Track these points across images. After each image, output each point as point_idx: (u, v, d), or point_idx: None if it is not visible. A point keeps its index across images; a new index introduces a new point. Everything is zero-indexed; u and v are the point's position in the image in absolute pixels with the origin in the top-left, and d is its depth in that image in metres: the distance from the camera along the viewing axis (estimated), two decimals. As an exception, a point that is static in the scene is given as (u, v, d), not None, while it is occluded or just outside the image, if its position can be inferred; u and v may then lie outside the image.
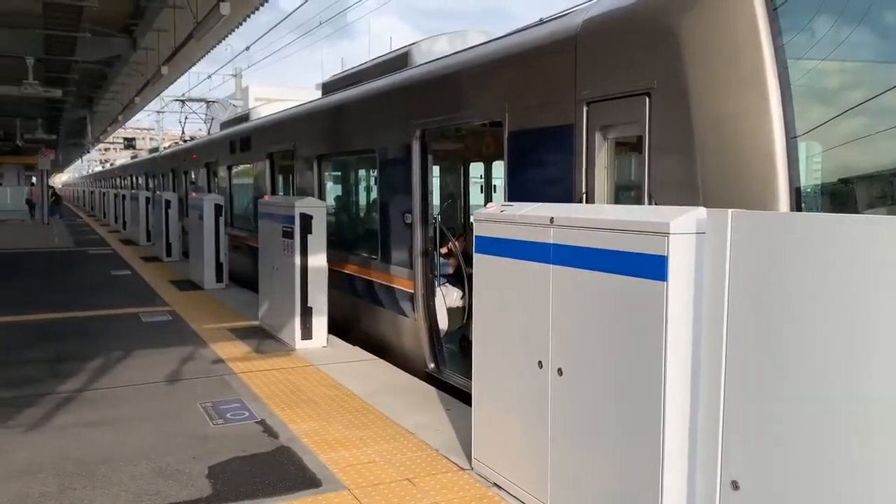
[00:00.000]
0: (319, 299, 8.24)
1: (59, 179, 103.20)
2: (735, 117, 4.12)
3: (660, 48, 4.44)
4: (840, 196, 4.31)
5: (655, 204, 4.43)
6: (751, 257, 2.85)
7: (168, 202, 17.67)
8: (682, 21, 4.35)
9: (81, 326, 9.56)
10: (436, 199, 7.99)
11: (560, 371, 3.86)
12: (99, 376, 7.09)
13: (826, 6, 4.31)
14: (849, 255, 2.49)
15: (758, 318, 2.82)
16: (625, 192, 5.04)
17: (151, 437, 5.40)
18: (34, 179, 41.56)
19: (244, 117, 16.02)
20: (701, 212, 3.17)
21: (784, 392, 2.72)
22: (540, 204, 4.33)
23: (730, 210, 2.95)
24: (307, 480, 4.63)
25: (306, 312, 8.23)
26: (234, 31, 17.87)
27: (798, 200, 3.98)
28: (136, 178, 33.01)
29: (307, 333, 8.26)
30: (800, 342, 2.66)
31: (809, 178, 4.25)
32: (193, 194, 16.55)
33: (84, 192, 61.98)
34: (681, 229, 3.16)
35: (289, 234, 8.35)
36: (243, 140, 14.15)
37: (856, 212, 4.24)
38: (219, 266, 13.01)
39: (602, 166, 4.95)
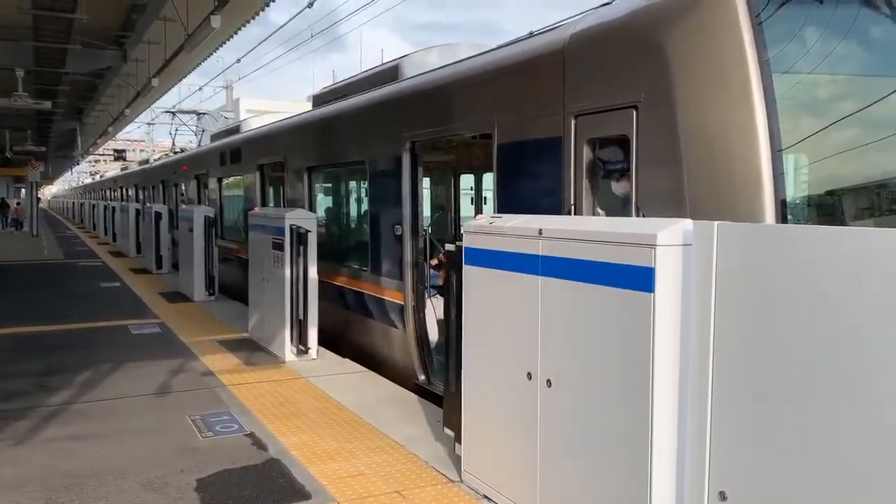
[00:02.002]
0: (310, 311, 8.23)
1: (48, 191, 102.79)
2: (721, 130, 4.16)
3: (647, 62, 4.48)
4: (826, 208, 4.36)
5: (643, 216, 4.46)
6: (737, 268, 2.87)
7: (158, 214, 17.63)
8: (668, 35, 4.40)
9: (70, 338, 9.51)
10: (426, 211, 8.02)
11: (549, 382, 3.87)
12: (87, 389, 7.05)
13: (811, 20, 4.36)
14: (834, 266, 2.51)
15: (744, 328, 2.84)
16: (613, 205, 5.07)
17: (140, 449, 5.38)
18: (22, 192, 41.30)
19: (235, 129, 16.03)
20: (687, 224, 3.19)
21: (771, 402, 2.74)
22: (528, 216, 4.35)
23: (716, 222, 2.98)
24: (296, 493, 4.62)
25: (296, 325, 8.22)
26: (224, 43, 17.90)
27: (784, 212, 4.02)
28: (126, 190, 32.92)
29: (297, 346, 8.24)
30: (786, 353, 2.68)
31: (795, 190, 4.30)
32: (184, 206, 16.52)
33: (74, 203, 61.78)
34: (668, 241, 3.19)
35: (279, 247, 8.35)
36: (234, 152, 14.15)
37: (842, 223, 4.28)
38: (209, 278, 12.97)
39: (590, 178, 4.98)
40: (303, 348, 8.14)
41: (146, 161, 34.56)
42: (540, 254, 3.90)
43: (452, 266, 4.99)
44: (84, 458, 5.23)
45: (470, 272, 4.58)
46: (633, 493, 3.33)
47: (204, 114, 32.46)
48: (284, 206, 11.01)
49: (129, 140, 67.24)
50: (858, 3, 4.45)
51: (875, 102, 4.41)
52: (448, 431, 5.14)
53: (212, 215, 13.04)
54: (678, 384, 3.21)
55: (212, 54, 19.32)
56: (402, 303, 7.50)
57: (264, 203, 12.42)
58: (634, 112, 4.51)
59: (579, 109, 4.97)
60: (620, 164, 4.70)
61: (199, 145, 25.53)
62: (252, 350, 8.79)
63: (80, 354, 8.53)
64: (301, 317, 8.12)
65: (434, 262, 8.33)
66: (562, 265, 3.75)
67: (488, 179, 10.12)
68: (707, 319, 2.99)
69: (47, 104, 19.63)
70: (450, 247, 5.12)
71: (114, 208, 28.70)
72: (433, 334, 7.55)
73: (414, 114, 7.51)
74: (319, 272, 8.31)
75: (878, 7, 4.52)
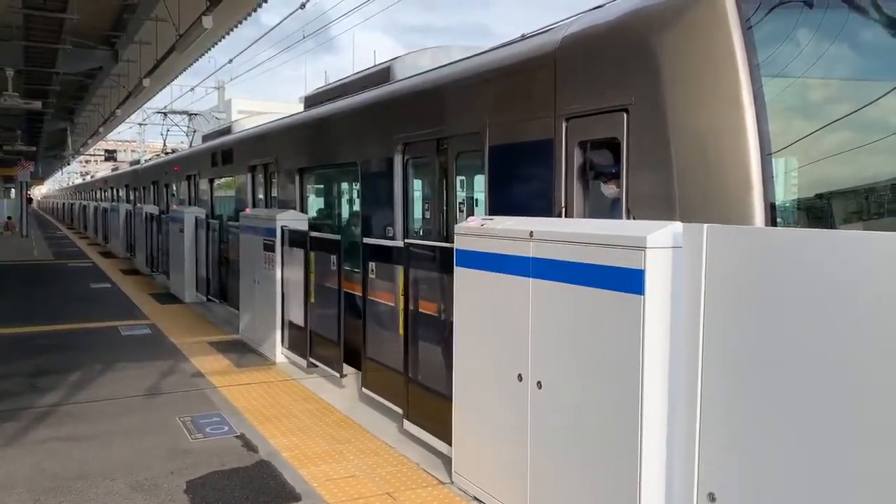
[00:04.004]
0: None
1: (38, 191, 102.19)
2: (711, 134, 4.18)
3: (638, 65, 4.50)
4: (815, 211, 4.38)
5: (633, 218, 4.47)
6: (726, 271, 2.89)
7: (150, 215, 17.57)
8: (659, 39, 4.42)
9: (60, 340, 9.46)
10: (418, 212, 8.02)
11: (539, 384, 3.87)
12: (77, 390, 7.02)
13: (800, 24, 4.39)
14: (823, 269, 2.53)
15: (733, 330, 2.86)
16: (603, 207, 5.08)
17: (129, 451, 5.36)
18: (12, 192, 40.93)
19: (226, 130, 15.98)
20: (677, 226, 3.20)
21: (760, 404, 2.76)
22: (520, 218, 4.36)
23: (705, 225, 2.99)
24: (287, 495, 4.61)
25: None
26: (216, 44, 17.88)
27: (773, 215, 4.04)
28: (117, 191, 32.77)
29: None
30: (775, 355, 2.70)
31: (784, 193, 4.32)
32: (175, 206, 16.46)
33: (64, 204, 61.46)
34: (657, 244, 3.20)
35: (270, 248, 8.33)
36: (225, 153, 14.11)
37: (831, 226, 4.31)
38: (207, 281, 12.85)
39: (581, 181, 4.99)
40: (336, 373, 7.09)
41: (137, 162, 34.44)
42: (531, 256, 3.91)
43: (404, 263, 5.65)
44: (73, 459, 5.20)
45: (461, 274, 4.59)
46: (623, 494, 3.34)
47: (196, 114, 32.35)
48: (276, 207, 10.99)
49: (120, 140, 67.03)
50: (848, 8, 4.48)
51: (864, 106, 4.44)
52: (368, 392, 6.40)
53: (203, 216, 12.99)
54: (668, 386, 3.22)
55: (203, 55, 19.29)
56: (394, 304, 7.49)
57: (255, 204, 12.39)
58: (625, 115, 4.53)
59: (570, 112, 4.99)
60: (612, 167, 4.72)
61: (191, 146, 25.47)
62: (243, 352, 8.77)
63: (70, 355, 8.49)
64: (336, 336, 7.08)
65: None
66: (552, 267, 3.75)
67: (480, 181, 10.12)
68: (696, 321, 3.00)
69: (37, 104, 19.54)
70: (399, 244, 5.87)
71: (105, 209, 28.57)
72: None
73: (406, 115, 7.51)
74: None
75: (866, 11, 4.55)
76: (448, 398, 4.88)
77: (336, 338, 7.05)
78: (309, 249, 7.66)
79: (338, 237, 7.34)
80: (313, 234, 7.78)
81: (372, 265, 6.59)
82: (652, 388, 3.23)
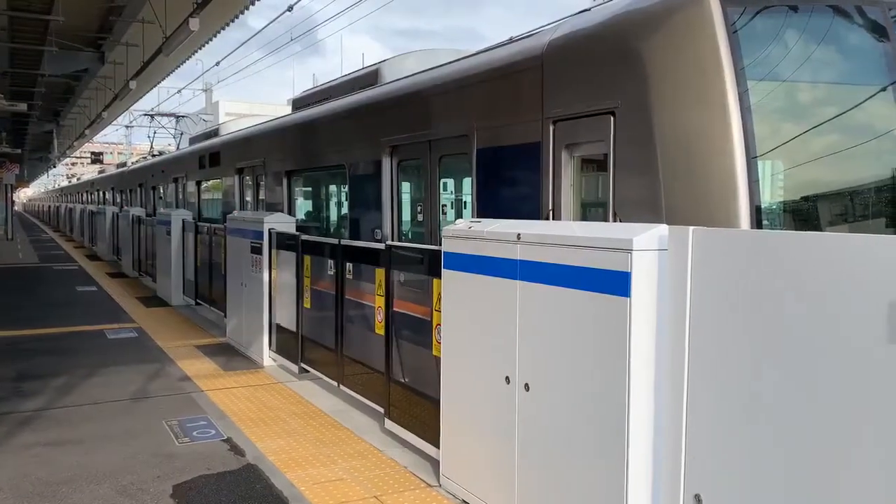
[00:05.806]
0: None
1: (24, 194, 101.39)
2: (697, 136, 4.21)
3: (624, 69, 4.52)
4: (800, 213, 4.41)
5: (620, 221, 4.49)
6: (711, 273, 2.90)
7: (137, 218, 17.49)
8: (646, 43, 4.44)
9: (45, 343, 9.39)
10: (406, 215, 8.02)
11: (527, 386, 3.88)
12: (62, 394, 6.97)
13: (785, 28, 4.42)
14: (806, 271, 2.54)
15: (719, 332, 2.87)
16: (590, 209, 5.11)
17: (115, 455, 5.32)
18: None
19: (214, 132, 15.94)
20: (663, 229, 3.22)
21: (745, 406, 2.77)
22: (507, 221, 4.37)
23: (691, 227, 3.01)
24: (273, 499, 4.59)
25: (275, 329, 8.17)
26: (203, 46, 17.82)
27: (758, 218, 4.06)
28: (103, 193, 32.60)
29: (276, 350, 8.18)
30: (760, 357, 2.71)
31: (770, 196, 4.35)
32: (161, 209, 16.39)
33: (49, 207, 61.08)
34: (643, 246, 3.21)
35: (257, 251, 8.30)
36: (212, 155, 14.07)
37: (816, 229, 4.34)
38: (188, 282, 12.82)
39: (568, 184, 5.01)
40: (334, 381, 6.80)
41: (124, 164, 34.25)
42: (518, 258, 3.92)
43: (386, 265, 5.75)
44: (58, 464, 5.16)
45: (449, 276, 4.59)
46: (611, 496, 3.35)
47: (183, 116, 32.25)
48: (263, 210, 10.96)
49: (107, 143, 66.64)
50: (832, 13, 4.52)
51: (849, 110, 4.48)
52: (345, 389, 6.54)
53: (190, 219, 12.93)
54: (654, 387, 3.23)
55: (190, 57, 19.23)
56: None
57: (243, 206, 12.36)
58: (612, 118, 4.55)
59: (558, 115, 5.00)
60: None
61: (178, 148, 25.35)
62: (230, 355, 8.73)
63: (55, 359, 8.43)
64: (333, 342, 6.86)
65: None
66: (539, 269, 3.76)
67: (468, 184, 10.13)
68: (682, 323, 3.02)
69: (23, 106, 19.44)
70: (378, 245, 6.03)
71: (91, 212, 28.41)
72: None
73: (394, 118, 7.51)
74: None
75: (851, 16, 4.59)
76: (430, 398, 4.88)
77: (332, 344, 6.85)
78: (301, 253, 7.56)
79: (336, 240, 7.16)
80: (306, 237, 7.73)
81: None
82: (638, 390, 3.24)
